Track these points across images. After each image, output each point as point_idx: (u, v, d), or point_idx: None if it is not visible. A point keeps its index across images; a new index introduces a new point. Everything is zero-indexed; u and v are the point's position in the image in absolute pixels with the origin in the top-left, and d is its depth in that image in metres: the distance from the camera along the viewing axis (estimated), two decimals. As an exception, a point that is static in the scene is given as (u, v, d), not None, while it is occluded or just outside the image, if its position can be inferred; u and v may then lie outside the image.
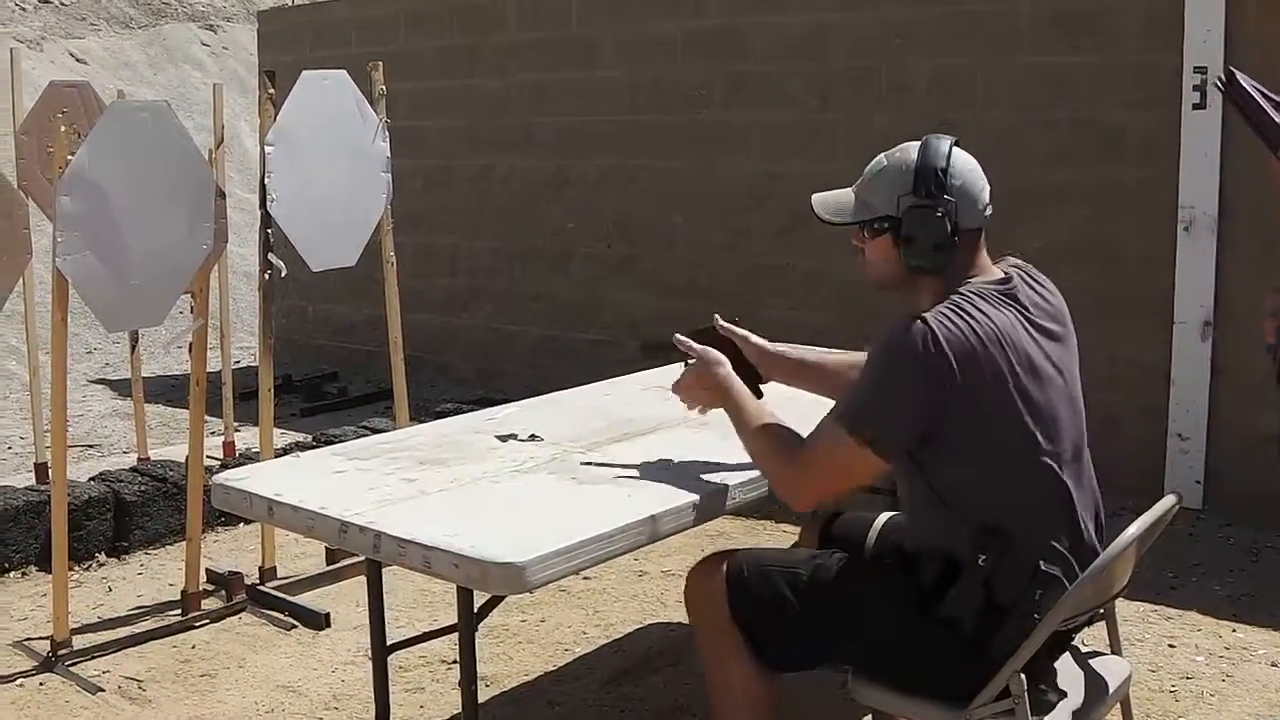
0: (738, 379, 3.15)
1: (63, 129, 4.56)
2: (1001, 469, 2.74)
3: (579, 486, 3.11)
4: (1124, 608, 4.81)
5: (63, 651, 4.56)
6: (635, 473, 3.20)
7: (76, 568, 5.40)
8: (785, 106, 7.38)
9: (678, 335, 3.23)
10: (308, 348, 10.13)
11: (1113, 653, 3.20)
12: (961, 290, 2.78)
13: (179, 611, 4.97)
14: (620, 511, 2.87)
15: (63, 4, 16.37)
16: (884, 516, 3.38)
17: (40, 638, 4.73)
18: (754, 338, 3.35)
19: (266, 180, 4.96)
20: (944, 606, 2.74)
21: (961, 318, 2.69)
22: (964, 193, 2.80)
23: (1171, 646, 4.62)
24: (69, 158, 4.36)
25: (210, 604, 5.06)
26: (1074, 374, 2.90)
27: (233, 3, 18.12)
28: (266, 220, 5.01)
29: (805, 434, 2.91)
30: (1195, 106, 5.90)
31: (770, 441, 2.98)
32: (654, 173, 8.04)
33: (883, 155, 2.95)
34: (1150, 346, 6.11)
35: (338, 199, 5.21)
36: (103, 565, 5.58)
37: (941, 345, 2.65)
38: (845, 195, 2.99)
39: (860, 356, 3.13)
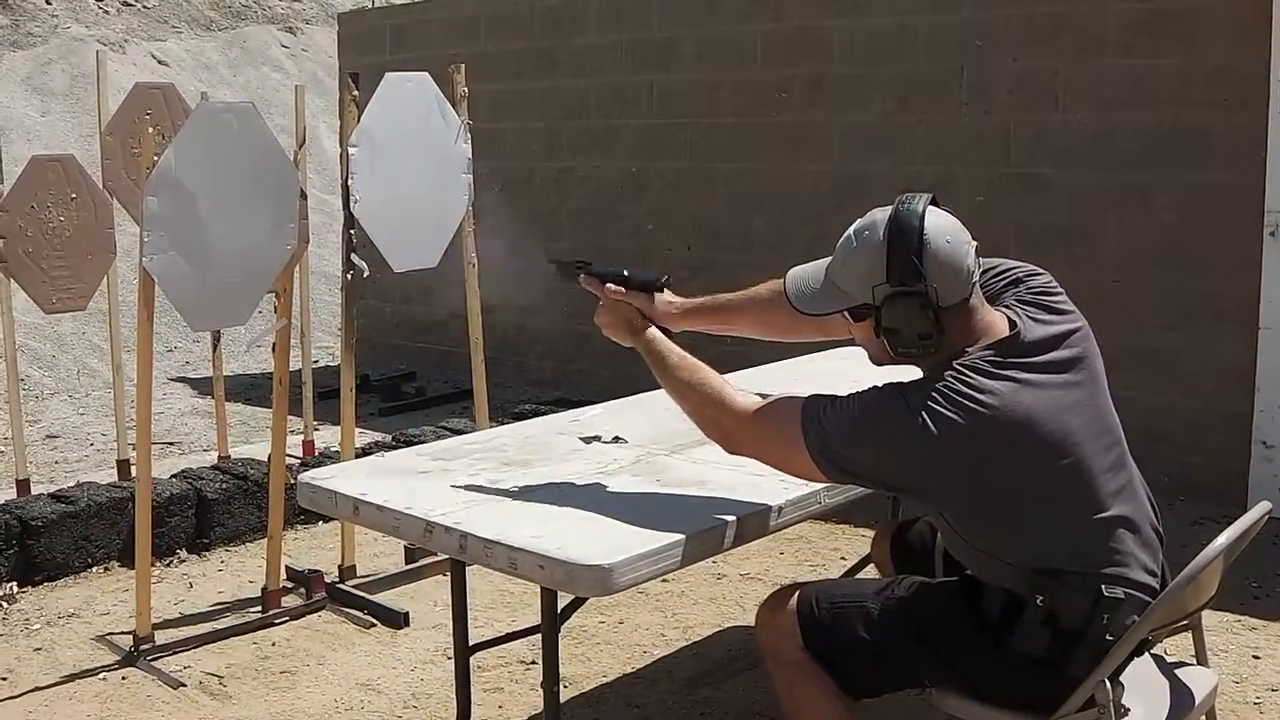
0: (652, 327, 3.24)
1: (150, 130, 4.61)
2: (1037, 525, 2.69)
3: (663, 489, 3.11)
4: (1208, 618, 4.70)
5: (144, 646, 4.61)
6: (719, 475, 3.19)
7: (158, 564, 5.44)
8: (866, 108, 7.35)
9: (585, 276, 3.39)
10: (385, 348, 10.17)
11: (1199, 663, 3.16)
12: (957, 369, 2.66)
13: (259, 608, 5.01)
14: (705, 514, 2.87)
15: (145, 7, 16.56)
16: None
17: (123, 633, 4.78)
18: (667, 295, 3.44)
19: (349, 181, 4.98)
20: (1014, 640, 2.70)
21: (957, 406, 2.60)
22: (944, 270, 2.66)
23: (1256, 658, 4.56)
24: (155, 159, 4.40)
25: (290, 601, 5.10)
26: (1099, 387, 2.81)
27: (312, 5, 18.27)
28: (349, 221, 5.04)
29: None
30: (1283, 110, 5.84)
31: (712, 385, 2.98)
32: (733, 174, 8.03)
33: (852, 232, 2.81)
34: (1235, 352, 6.03)
35: (420, 200, 5.24)
36: (184, 562, 5.63)
37: (936, 445, 2.59)
38: (819, 277, 2.89)
39: (773, 283, 3.17)
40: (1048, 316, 2.78)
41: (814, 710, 2.93)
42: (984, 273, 2.88)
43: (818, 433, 2.72)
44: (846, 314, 2.83)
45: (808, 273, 2.93)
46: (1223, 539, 2.64)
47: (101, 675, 4.51)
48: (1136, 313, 6.28)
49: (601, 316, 3.34)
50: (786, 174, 7.75)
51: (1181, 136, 6.21)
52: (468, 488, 3.13)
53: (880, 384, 2.74)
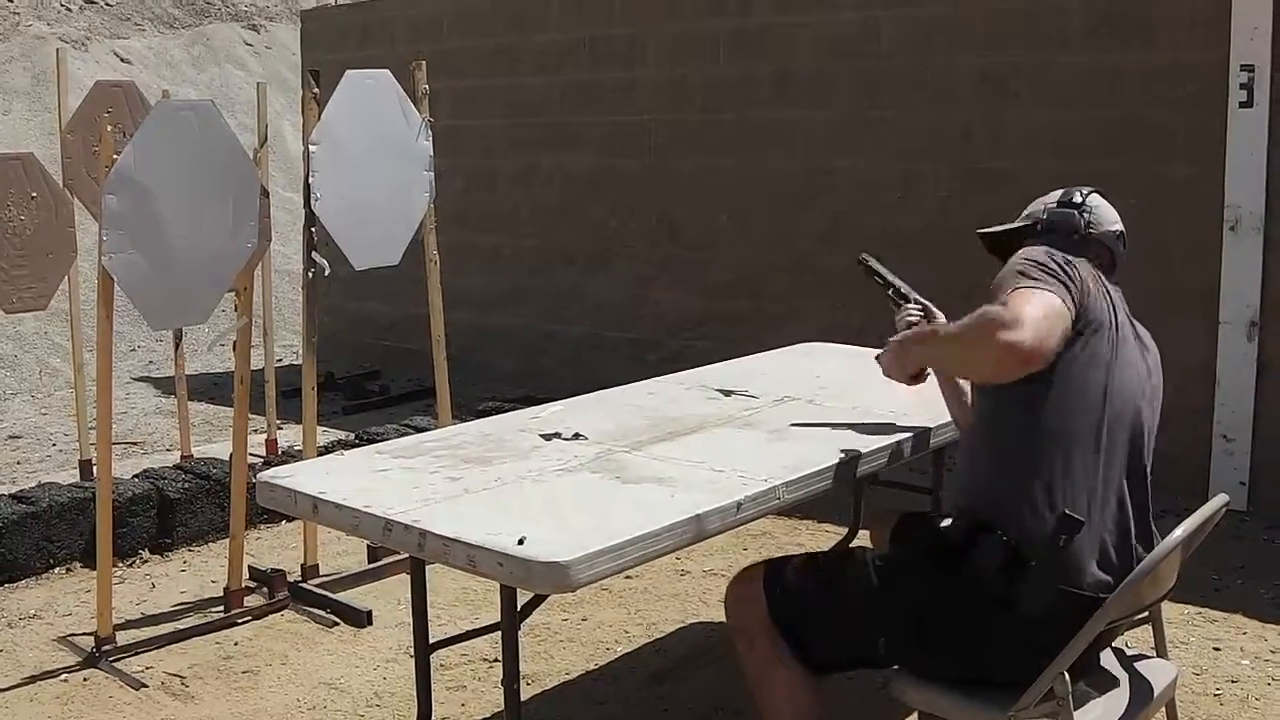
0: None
1: (109, 128, 4.58)
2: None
3: (623, 486, 3.10)
4: (1169, 610, 4.75)
5: (106, 647, 4.59)
6: (679, 471, 3.19)
7: (120, 564, 5.42)
8: (831, 105, 7.36)
9: (910, 319, 3.52)
10: (349, 346, 10.15)
11: (1158, 655, 3.18)
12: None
13: (221, 608, 5.00)
14: (665, 511, 2.86)
15: (107, 4, 16.46)
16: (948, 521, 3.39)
17: (84, 634, 4.76)
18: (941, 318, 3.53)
19: (310, 179, 4.97)
20: (972, 558, 2.82)
21: (1084, 262, 2.97)
22: (1098, 212, 3.21)
23: (1216, 650, 4.59)
24: (115, 157, 4.38)
25: (253, 601, 5.08)
26: (1156, 380, 3.12)
27: (276, 2, 18.18)
28: (310, 219, 5.03)
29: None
30: (1242, 105, 5.87)
31: (968, 324, 2.89)
32: (697, 171, 8.03)
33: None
34: (1195, 347, 6.07)
35: (381, 198, 5.22)
36: (146, 562, 5.61)
37: (1072, 260, 2.91)
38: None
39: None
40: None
41: (777, 678, 3.02)
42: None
43: (1023, 277, 2.86)
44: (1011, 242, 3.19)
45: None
46: (1179, 531, 2.67)
47: (63, 676, 4.49)
48: (1098, 308, 6.29)
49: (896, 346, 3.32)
50: (751, 171, 7.76)
51: (1142, 131, 6.24)
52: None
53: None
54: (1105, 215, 3.22)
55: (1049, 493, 2.78)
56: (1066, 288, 2.82)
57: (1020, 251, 2.97)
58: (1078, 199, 3.22)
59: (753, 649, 3.07)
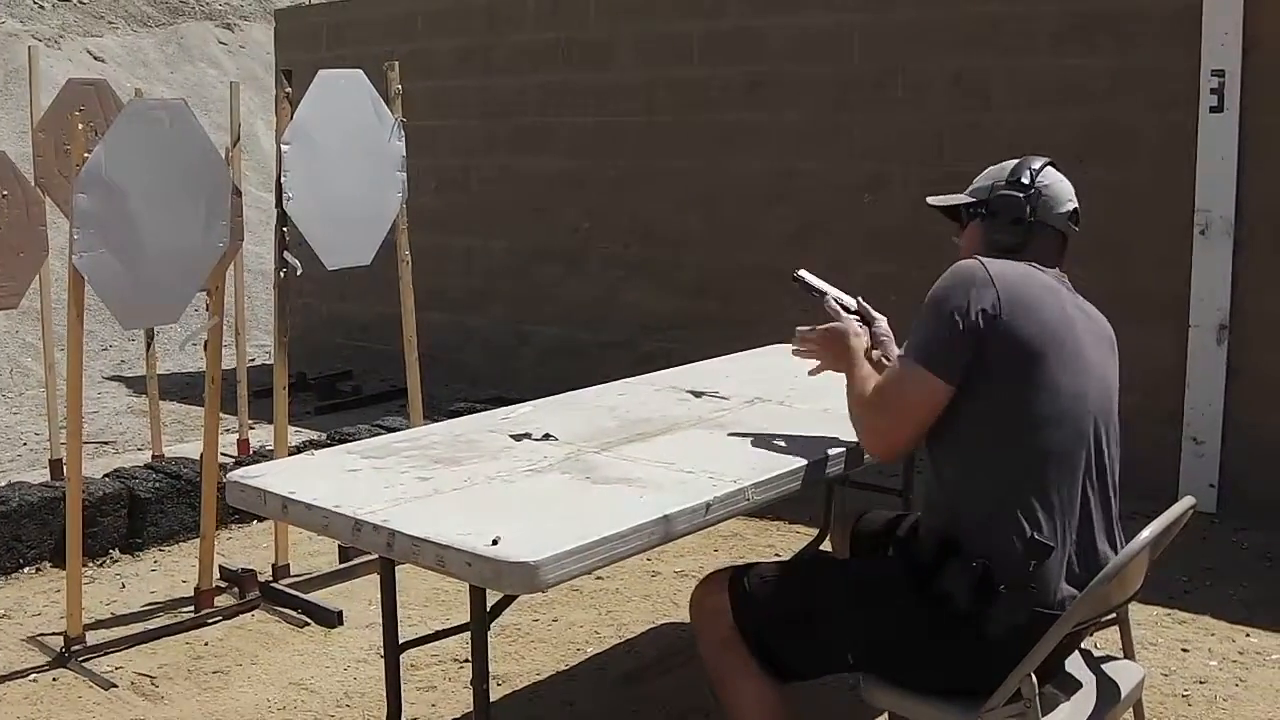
0: (861, 354, 3.28)
1: (80, 127, 4.57)
2: (1019, 454, 2.82)
3: (592, 486, 3.11)
4: (1138, 612, 4.79)
5: (76, 647, 4.57)
6: (648, 472, 3.20)
7: (90, 564, 5.41)
8: (802, 107, 7.38)
9: (831, 301, 3.49)
10: (322, 346, 10.14)
11: (1126, 656, 3.19)
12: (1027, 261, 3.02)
13: (192, 608, 4.99)
14: (633, 511, 2.87)
15: (81, 2, 16.42)
16: (911, 518, 3.41)
17: (54, 634, 4.74)
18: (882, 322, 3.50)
19: (282, 179, 4.97)
20: (939, 581, 2.80)
21: (1015, 268, 2.93)
22: (1049, 191, 3.13)
23: (1185, 651, 4.61)
24: (86, 156, 4.37)
25: (223, 601, 5.07)
26: (1108, 369, 3.06)
27: (250, 1, 18.15)
28: (282, 219, 5.02)
29: None
30: (1212, 109, 5.90)
31: (866, 401, 3.09)
32: (670, 173, 8.04)
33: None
34: (1165, 350, 6.10)
35: (353, 198, 5.22)
36: (116, 562, 5.60)
37: (992, 277, 2.85)
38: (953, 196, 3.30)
39: None
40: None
41: (741, 684, 3.00)
42: None
43: (912, 344, 2.93)
44: (962, 216, 3.24)
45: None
46: (1145, 534, 2.68)
47: (32, 676, 4.47)
48: (1069, 310, 6.32)
49: (824, 342, 3.40)
50: (723, 172, 7.77)
51: (1112, 136, 6.27)
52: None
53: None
54: (1057, 195, 3.15)
55: (1015, 518, 2.75)
56: (954, 353, 2.84)
57: (950, 271, 2.94)
58: (1027, 178, 3.14)
59: (719, 659, 3.05)
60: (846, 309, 3.47)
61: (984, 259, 2.93)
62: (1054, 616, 2.69)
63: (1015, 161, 3.21)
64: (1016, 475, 2.79)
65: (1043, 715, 2.70)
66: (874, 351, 3.37)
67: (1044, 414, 2.80)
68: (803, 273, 3.63)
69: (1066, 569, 2.77)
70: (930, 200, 3.36)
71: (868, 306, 3.50)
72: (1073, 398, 2.85)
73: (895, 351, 3.29)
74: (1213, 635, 4.74)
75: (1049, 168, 3.19)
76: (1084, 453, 2.85)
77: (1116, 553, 2.82)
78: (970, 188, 3.25)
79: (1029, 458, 2.79)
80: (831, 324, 3.38)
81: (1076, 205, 3.17)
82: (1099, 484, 2.90)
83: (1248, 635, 4.74)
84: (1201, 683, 4.35)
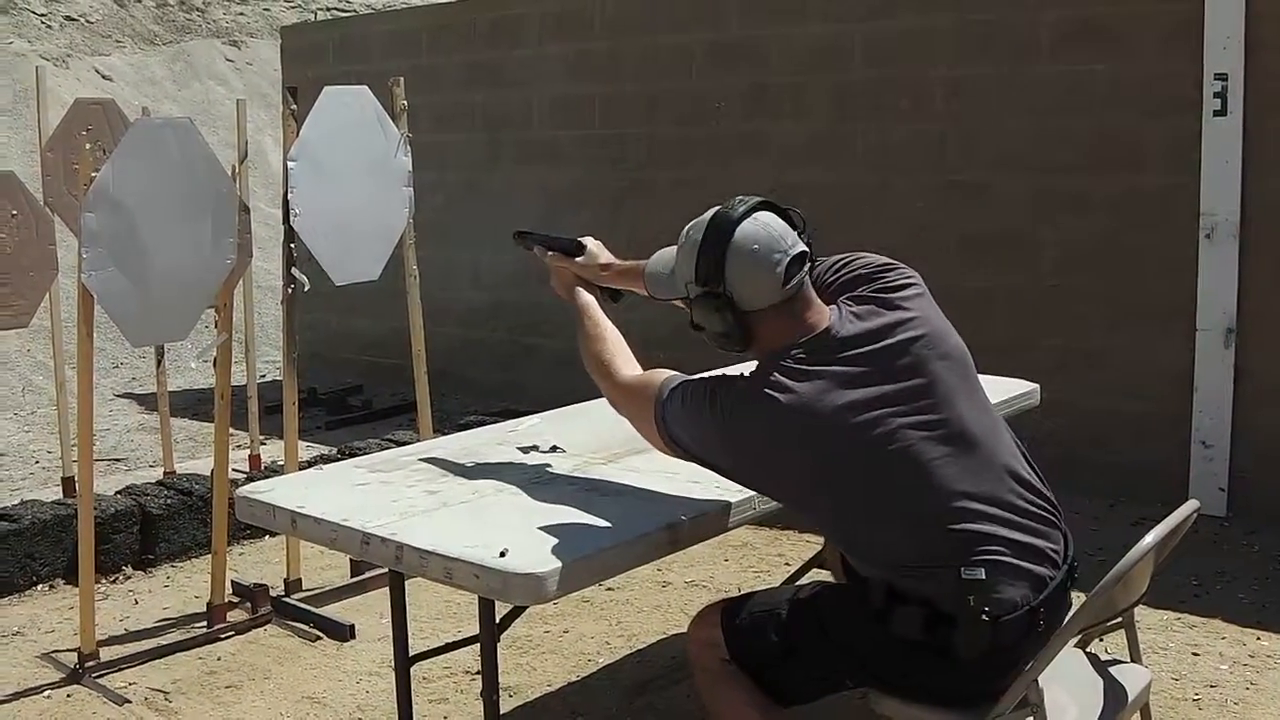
0: (584, 291, 3.41)
1: (88, 146, 4.60)
2: (877, 524, 2.75)
3: (599, 497, 3.12)
4: (1147, 616, 4.80)
5: (89, 663, 4.59)
6: (655, 482, 3.21)
7: (103, 581, 5.43)
8: (804, 117, 7.39)
9: (537, 251, 3.57)
10: (332, 361, 10.16)
11: (1133, 660, 3.20)
12: (765, 366, 2.79)
13: (204, 624, 5.00)
14: (640, 521, 2.88)
15: (88, 21, 16.46)
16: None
17: (67, 650, 4.76)
18: (602, 258, 3.53)
19: (289, 195, 4.99)
20: (892, 625, 2.73)
21: (755, 403, 2.73)
22: (745, 276, 2.78)
23: (1195, 655, 4.61)
24: (94, 175, 4.40)
25: (236, 616, 5.09)
26: (936, 376, 2.79)
27: (256, 19, 18.19)
28: (289, 235, 5.05)
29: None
30: (1216, 114, 5.91)
31: (606, 354, 3.17)
32: (673, 185, 8.05)
33: (686, 228, 2.98)
34: (1173, 354, 6.10)
35: (360, 213, 5.24)
36: (129, 578, 5.62)
37: (739, 441, 2.76)
38: (670, 264, 3.08)
39: None
40: (881, 311, 2.84)
41: (733, 716, 2.96)
42: (831, 269, 3.01)
43: (665, 415, 2.89)
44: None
45: (665, 257, 3.14)
46: (1150, 537, 2.68)
47: (46, 693, 4.49)
48: (1075, 316, 6.34)
49: (551, 281, 3.55)
50: (726, 184, 7.72)
51: (1117, 141, 6.28)
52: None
53: (715, 374, 2.97)
54: (760, 266, 2.77)
55: (940, 560, 2.66)
56: (703, 455, 2.87)
57: (746, 388, 2.78)
58: (718, 265, 2.78)
59: (713, 692, 3.00)
60: (564, 251, 3.53)
61: (769, 389, 2.72)
62: (1022, 617, 2.65)
63: (700, 238, 2.86)
64: (915, 523, 2.70)
65: (1049, 720, 2.71)
66: (604, 272, 3.49)
67: (884, 476, 2.70)
68: (520, 230, 3.71)
69: (1014, 576, 2.67)
70: (648, 288, 3.22)
71: (580, 240, 3.54)
72: (920, 436, 2.71)
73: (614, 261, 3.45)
74: (1223, 639, 4.74)
75: (745, 229, 2.80)
76: (976, 460, 2.75)
77: (1050, 504, 2.82)
78: (675, 264, 3.01)
79: (903, 519, 2.71)
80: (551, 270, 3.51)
81: (790, 253, 2.80)
82: (986, 478, 2.76)
83: (1258, 638, 4.73)
84: (1212, 686, 4.35)
